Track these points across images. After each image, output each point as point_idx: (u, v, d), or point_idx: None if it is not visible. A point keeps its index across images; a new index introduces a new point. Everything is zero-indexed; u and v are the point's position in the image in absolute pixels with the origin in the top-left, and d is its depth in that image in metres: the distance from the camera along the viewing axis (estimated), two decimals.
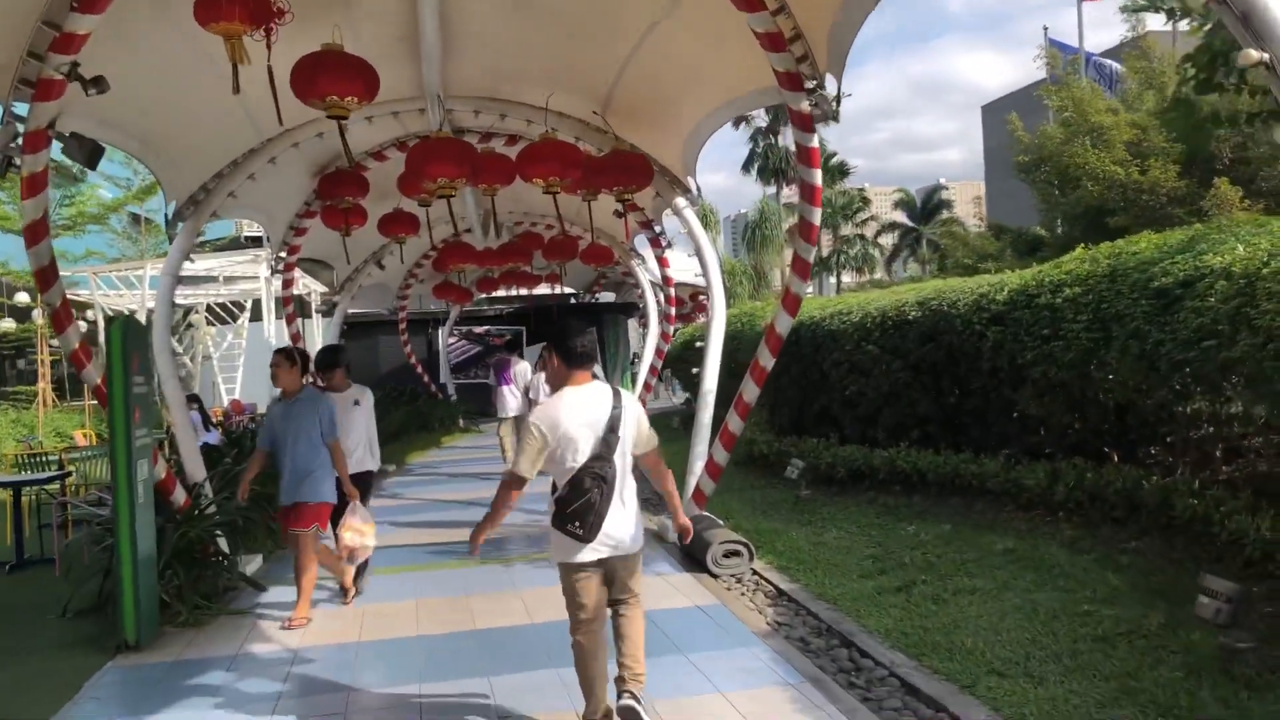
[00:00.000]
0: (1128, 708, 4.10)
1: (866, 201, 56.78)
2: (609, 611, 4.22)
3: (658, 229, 12.31)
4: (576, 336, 4.13)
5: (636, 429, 4.14)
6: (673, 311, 15.36)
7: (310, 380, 7.08)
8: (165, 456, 8.43)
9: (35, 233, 6.07)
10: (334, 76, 6.10)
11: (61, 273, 17.59)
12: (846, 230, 54.25)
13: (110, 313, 16.05)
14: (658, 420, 4.74)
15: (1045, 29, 28.54)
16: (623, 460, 4.06)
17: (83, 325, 14.04)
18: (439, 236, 15.97)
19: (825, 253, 51.96)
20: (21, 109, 5.70)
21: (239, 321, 19.60)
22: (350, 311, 18.89)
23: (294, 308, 13.97)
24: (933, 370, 8.82)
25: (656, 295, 16.32)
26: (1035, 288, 7.56)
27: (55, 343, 6.50)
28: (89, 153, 5.90)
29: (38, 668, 5.66)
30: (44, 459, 10.21)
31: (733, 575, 6.90)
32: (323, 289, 18.50)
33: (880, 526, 7.85)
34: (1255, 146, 15.26)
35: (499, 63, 8.70)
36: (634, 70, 7.98)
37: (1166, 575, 5.72)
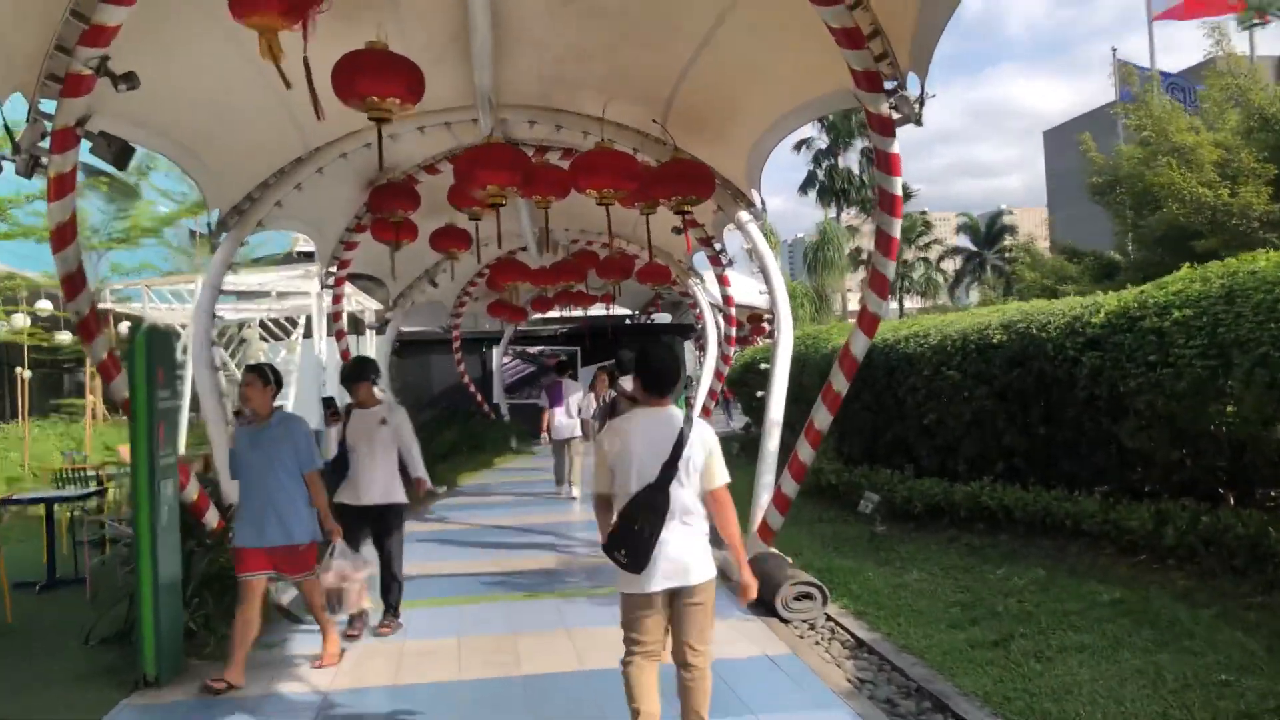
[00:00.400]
0: None
1: (929, 225, 55.61)
2: (669, 653, 3.93)
3: (718, 246, 11.74)
4: (659, 361, 3.96)
5: (705, 458, 3.86)
6: (733, 333, 14.74)
7: (330, 416, 6.61)
8: (201, 477, 8.07)
9: (63, 237, 5.73)
10: (374, 76, 5.70)
11: (114, 286, 17.52)
12: (909, 254, 53.13)
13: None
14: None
15: (1114, 50, 27.63)
16: (684, 489, 3.80)
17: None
18: (492, 255, 15.75)
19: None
20: (49, 107, 5.40)
21: (293, 338, 19.45)
22: (404, 330, 18.66)
23: (347, 325, 13.68)
24: (1020, 398, 8.11)
25: (715, 316, 15.75)
26: (1138, 310, 6.85)
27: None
28: (118, 152, 5.56)
29: (50, 701, 5.27)
30: (83, 475, 9.98)
31: (805, 620, 6.26)
32: (377, 306, 18.29)
33: (965, 569, 7.15)
34: None
35: (553, 68, 8.27)
36: (696, 75, 7.48)
37: None
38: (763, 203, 8.70)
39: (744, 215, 8.68)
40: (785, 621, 6.25)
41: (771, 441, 7.75)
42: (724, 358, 15.17)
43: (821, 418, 7.00)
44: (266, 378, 5.61)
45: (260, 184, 8.60)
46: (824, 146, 46.63)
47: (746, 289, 19.45)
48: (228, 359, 19.20)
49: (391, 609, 6.51)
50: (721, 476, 3.91)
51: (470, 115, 8.67)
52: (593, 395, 11.74)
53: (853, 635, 5.92)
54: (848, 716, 4.59)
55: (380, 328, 16.62)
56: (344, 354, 12.84)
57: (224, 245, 8.52)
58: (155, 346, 5.57)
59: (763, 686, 5.05)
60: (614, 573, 3.93)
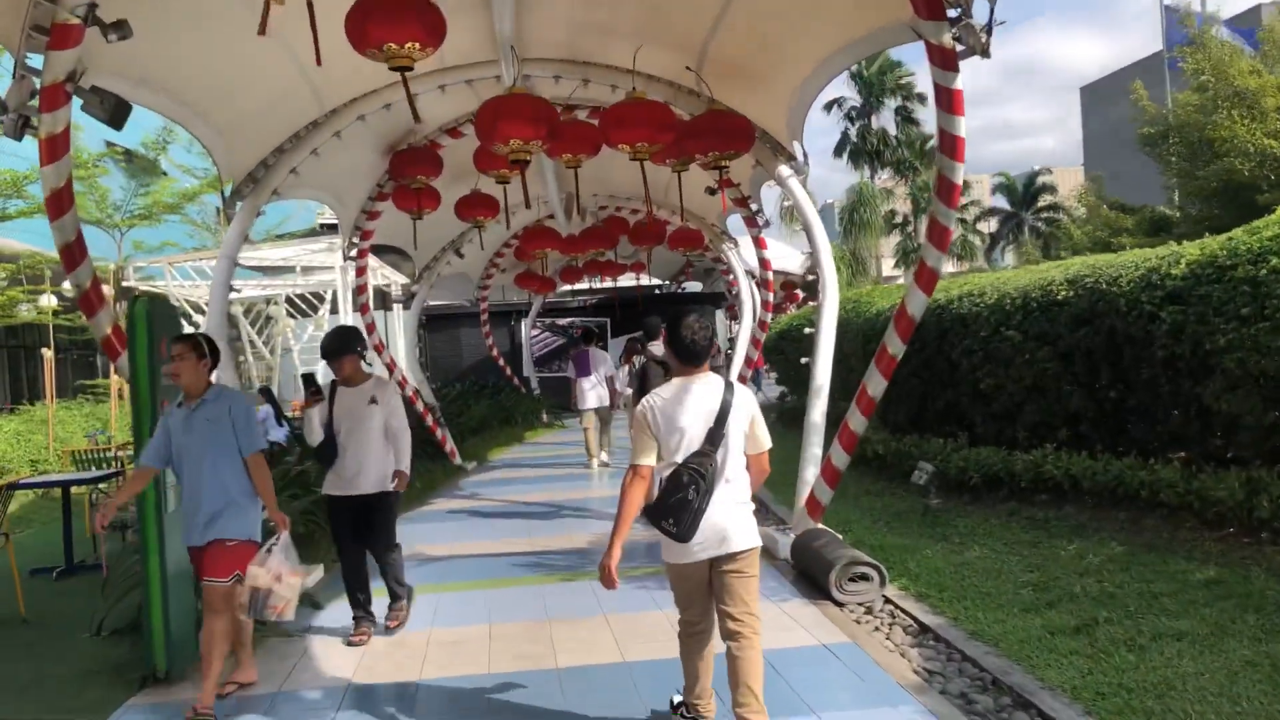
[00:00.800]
0: None
1: (966, 185, 54.27)
2: (716, 620, 3.86)
3: (754, 206, 11.14)
4: (690, 329, 3.85)
5: (749, 424, 3.88)
6: (770, 298, 14.14)
7: (311, 395, 5.71)
8: None
9: (59, 203, 5.31)
10: (390, 21, 5.23)
11: (137, 264, 17.23)
12: None
13: (184, 304, 15.76)
14: None
15: None
16: (729, 455, 3.80)
17: None
18: (520, 223, 15.26)
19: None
20: (37, 62, 4.97)
21: (319, 313, 19.18)
22: (431, 303, 18.27)
23: (373, 299, 13.27)
24: (1088, 359, 7.51)
25: (749, 283, 15.16)
26: (1227, 258, 6.23)
27: None
28: (112, 109, 5.13)
29: (52, 699, 4.95)
30: (104, 456, 9.70)
31: (860, 604, 5.77)
32: (404, 279, 17.91)
33: (1033, 544, 6.61)
34: None
35: (580, 13, 7.75)
36: (733, 13, 6.91)
37: None
38: (805, 155, 8.12)
39: (784, 170, 8.09)
40: (839, 605, 5.76)
41: (817, 411, 7.26)
42: (761, 324, 14.58)
43: (875, 384, 6.47)
44: (201, 349, 4.76)
45: (275, 149, 8.19)
46: (857, 105, 45.35)
47: (780, 254, 18.85)
48: (254, 336, 18.98)
49: (396, 598, 5.96)
50: (766, 440, 3.95)
51: (493, 71, 8.18)
52: (625, 368, 11.34)
53: (915, 620, 5.42)
54: (920, 714, 4.11)
55: (406, 302, 16.22)
56: (369, 327, 12.46)
57: (239, 215, 8.12)
58: (156, 317, 5.16)
59: (824, 681, 4.58)
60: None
